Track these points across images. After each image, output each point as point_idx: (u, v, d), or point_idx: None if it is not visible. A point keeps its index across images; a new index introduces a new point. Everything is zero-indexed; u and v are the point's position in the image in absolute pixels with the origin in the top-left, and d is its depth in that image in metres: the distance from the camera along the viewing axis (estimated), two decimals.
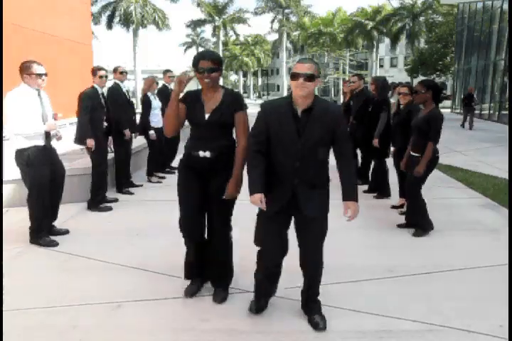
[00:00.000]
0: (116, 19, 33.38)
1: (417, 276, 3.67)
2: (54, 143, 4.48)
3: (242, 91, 55.32)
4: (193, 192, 3.05)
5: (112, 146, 6.02)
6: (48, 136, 4.31)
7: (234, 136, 3.06)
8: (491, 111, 21.58)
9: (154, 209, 5.65)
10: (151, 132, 6.91)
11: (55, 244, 4.33)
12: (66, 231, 4.67)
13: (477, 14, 24.48)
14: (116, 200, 5.92)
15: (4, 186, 4.96)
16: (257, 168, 2.74)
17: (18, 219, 4.82)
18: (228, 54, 55.48)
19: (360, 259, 3.99)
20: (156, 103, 7.10)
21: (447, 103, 27.46)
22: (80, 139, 5.44)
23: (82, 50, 12.06)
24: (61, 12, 11.04)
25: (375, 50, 40.78)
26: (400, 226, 4.88)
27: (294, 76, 2.62)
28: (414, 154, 4.64)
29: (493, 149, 10.92)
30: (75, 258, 4.04)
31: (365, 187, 6.41)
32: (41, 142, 4.25)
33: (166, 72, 7.62)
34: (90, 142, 5.31)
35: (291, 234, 2.88)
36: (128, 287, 3.45)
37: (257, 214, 2.87)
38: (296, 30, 47.95)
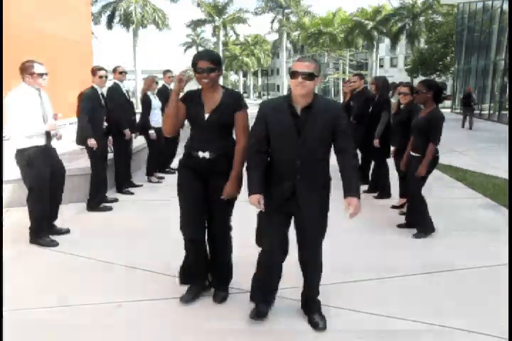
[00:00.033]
0: (116, 19, 33.50)
1: (417, 276, 3.67)
2: (54, 143, 4.48)
3: (242, 92, 55.28)
4: (193, 192, 3.04)
5: (111, 146, 6.02)
6: (48, 135, 4.31)
7: (234, 136, 3.06)
8: (491, 111, 21.60)
9: (154, 209, 5.65)
10: (151, 131, 6.91)
11: (55, 244, 4.33)
12: (66, 231, 4.67)
13: (477, 14, 24.49)
14: (116, 200, 5.93)
15: (4, 186, 4.95)
16: (256, 168, 2.74)
17: (18, 219, 4.82)
18: (228, 54, 55.52)
19: (360, 259, 3.98)
20: (156, 103, 7.10)
21: (447, 103, 27.48)
22: (81, 140, 5.45)
23: (82, 50, 12.06)
24: (61, 12, 11.03)
25: (375, 50, 40.80)
26: (400, 226, 4.88)
27: (292, 74, 2.58)
28: (414, 154, 4.63)
29: (493, 149, 10.91)
30: (75, 258, 4.04)
31: (366, 187, 6.40)
32: (41, 142, 4.25)
33: (166, 72, 7.62)
34: (91, 142, 5.31)
35: (292, 234, 2.88)
36: (128, 287, 3.45)
37: (258, 214, 2.86)
38: (296, 30, 48.01)
